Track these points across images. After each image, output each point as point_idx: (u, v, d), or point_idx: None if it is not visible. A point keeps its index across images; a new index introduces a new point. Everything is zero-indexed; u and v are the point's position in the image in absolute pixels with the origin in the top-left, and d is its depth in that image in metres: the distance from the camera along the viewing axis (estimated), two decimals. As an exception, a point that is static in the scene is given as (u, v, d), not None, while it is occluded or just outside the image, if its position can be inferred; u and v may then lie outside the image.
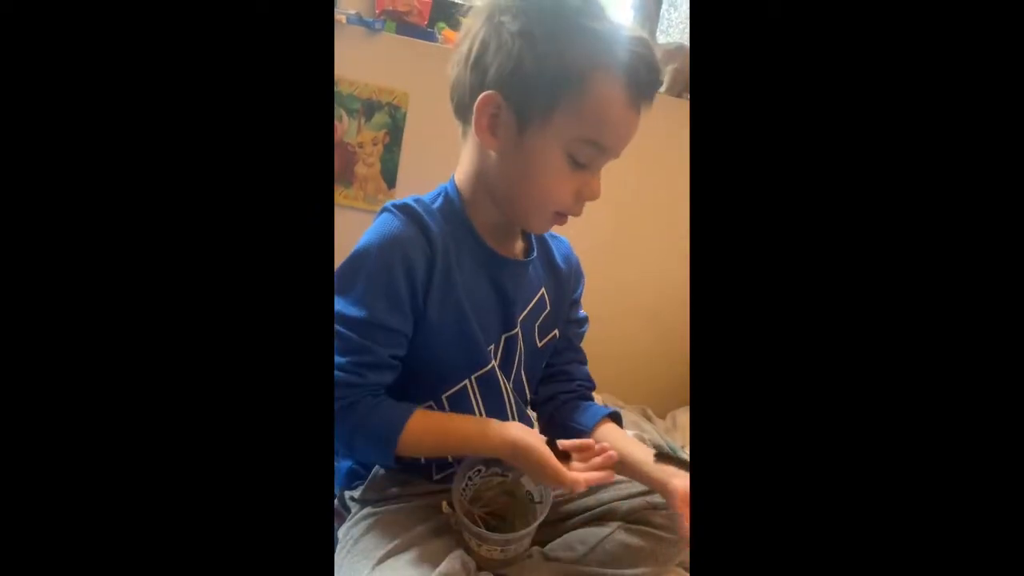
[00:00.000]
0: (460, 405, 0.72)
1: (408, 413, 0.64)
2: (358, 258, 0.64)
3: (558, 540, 0.75)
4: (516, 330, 0.74)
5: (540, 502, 0.69)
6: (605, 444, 0.66)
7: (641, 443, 0.74)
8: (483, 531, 0.65)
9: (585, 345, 1.01)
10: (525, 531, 0.66)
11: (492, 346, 0.73)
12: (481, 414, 0.73)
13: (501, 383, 0.74)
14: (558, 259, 0.81)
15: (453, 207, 0.70)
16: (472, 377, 0.72)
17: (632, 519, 0.73)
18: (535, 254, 0.77)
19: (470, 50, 0.63)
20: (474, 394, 0.73)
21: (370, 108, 1.33)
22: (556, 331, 0.81)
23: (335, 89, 1.30)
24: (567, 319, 0.83)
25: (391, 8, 1.32)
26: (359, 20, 1.31)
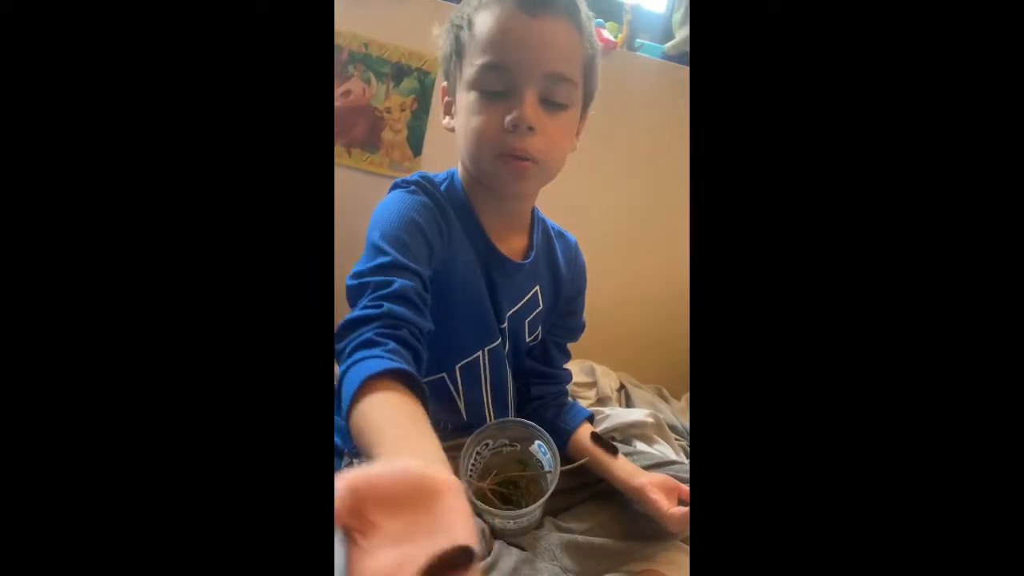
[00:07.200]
0: (472, 374, 0.75)
1: (363, 376, 0.46)
2: (376, 221, 0.66)
3: (570, 511, 0.75)
4: (504, 325, 0.77)
5: (550, 472, 0.70)
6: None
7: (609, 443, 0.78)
8: (494, 510, 0.66)
9: (602, 326, 0.99)
10: (536, 505, 0.67)
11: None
12: (488, 386, 0.77)
13: (505, 364, 0.79)
14: (560, 260, 0.82)
15: (457, 194, 0.72)
16: (485, 349, 0.75)
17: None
18: (533, 255, 0.77)
19: None
20: (484, 366, 0.76)
21: (399, 72, 1.31)
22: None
23: (365, 52, 1.29)
24: (563, 324, 0.85)
25: (424, -29, 1.30)
26: (391, -18, 1.29)
